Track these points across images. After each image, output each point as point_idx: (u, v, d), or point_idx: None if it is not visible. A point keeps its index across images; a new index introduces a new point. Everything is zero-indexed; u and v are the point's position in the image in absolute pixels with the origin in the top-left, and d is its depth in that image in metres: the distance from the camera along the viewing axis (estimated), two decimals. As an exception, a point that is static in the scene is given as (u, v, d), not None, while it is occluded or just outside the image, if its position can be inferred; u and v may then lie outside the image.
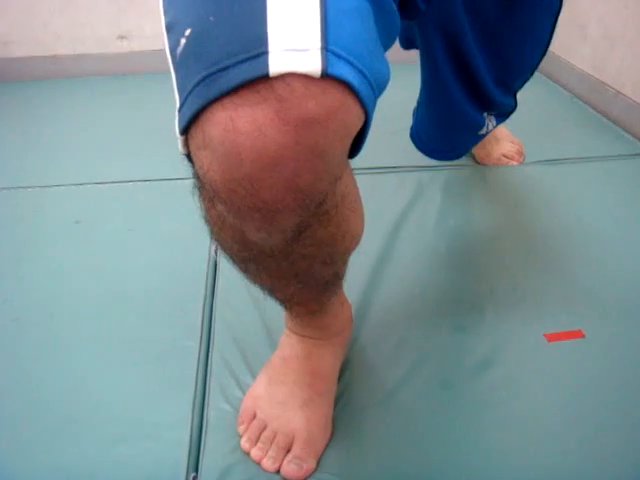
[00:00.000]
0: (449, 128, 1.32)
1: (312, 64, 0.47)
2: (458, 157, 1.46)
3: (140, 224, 1.36)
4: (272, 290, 0.80)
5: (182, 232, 1.31)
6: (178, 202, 1.41)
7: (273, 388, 0.90)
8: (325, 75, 0.48)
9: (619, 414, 0.91)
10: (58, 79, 2.25)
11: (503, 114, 1.33)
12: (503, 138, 1.55)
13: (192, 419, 0.91)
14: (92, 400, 0.94)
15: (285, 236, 0.62)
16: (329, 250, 0.71)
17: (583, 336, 1.04)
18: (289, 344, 0.93)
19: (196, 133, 0.52)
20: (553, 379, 0.97)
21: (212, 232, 0.69)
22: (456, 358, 1.00)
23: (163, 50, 0.58)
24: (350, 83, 0.49)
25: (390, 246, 1.25)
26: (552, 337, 1.04)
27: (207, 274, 1.19)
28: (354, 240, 0.75)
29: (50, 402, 0.94)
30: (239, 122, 0.48)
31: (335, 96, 0.49)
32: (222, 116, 0.49)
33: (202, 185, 0.58)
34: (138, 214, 1.40)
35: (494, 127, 1.32)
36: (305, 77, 0.47)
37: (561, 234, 1.28)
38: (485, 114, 1.26)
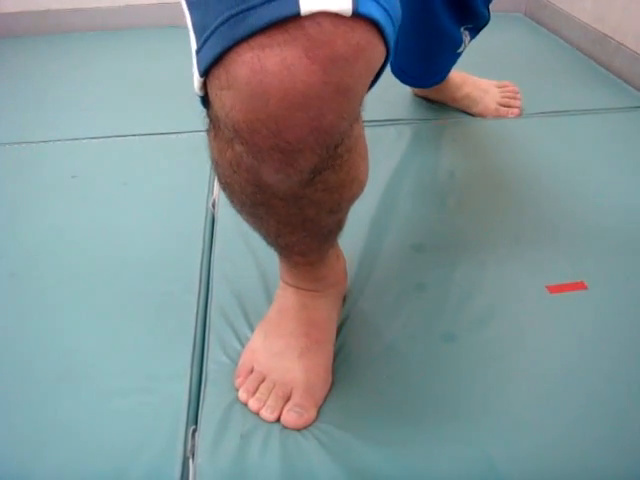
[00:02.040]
0: (430, 48, 1.34)
1: (344, 3, 0.47)
2: (442, 80, 1.46)
3: (136, 178, 1.34)
4: (276, 236, 0.79)
5: (179, 186, 1.30)
6: (175, 156, 1.40)
7: (270, 341, 0.90)
8: (355, 14, 0.47)
9: (623, 366, 0.90)
10: (51, 34, 2.20)
11: (477, 28, 1.34)
12: (489, 87, 1.53)
13: (191, 372, 0.90)
14: (89, 354, 0.93)
15: (302, 178, 0.61)
16: (337, 197, 0.70)
17: (586, 288, 1.03)
18: (284, 297, 0.93)
19: (219, 73, 0.51)
20: (556, 331, 0.97)
21: (222, 175, 0.68)
22: (457, 310, 0.99)
23: (159, 4, 0.57)
24: (377, 21, 0.49)
25: (388, 198, 1.23)
26: (554, 289, 1.03)
27: (205, 228, 1.17)
28: (360, 187, 0.74)
29: (47, 357, 0.93)
30: (267, 62, 0.48)
31: (363, 35, 0.49)
32: (249, 56, 0.48)
33: (220, 126, 0.57)
34: (135, 168, 1.38)
35: (468, 43, 1.35)
36: (335, 16, 0.47)
37: (562, 186, 1.27)
38: (462, 29, 1.29)
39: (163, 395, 0.87)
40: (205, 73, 0.53)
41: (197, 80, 0.55)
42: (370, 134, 1.38)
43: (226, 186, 0.70)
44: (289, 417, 0.83)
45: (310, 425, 0.83)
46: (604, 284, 1.04)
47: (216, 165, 0.67)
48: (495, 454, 0.79)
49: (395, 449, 0.80)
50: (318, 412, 0.85)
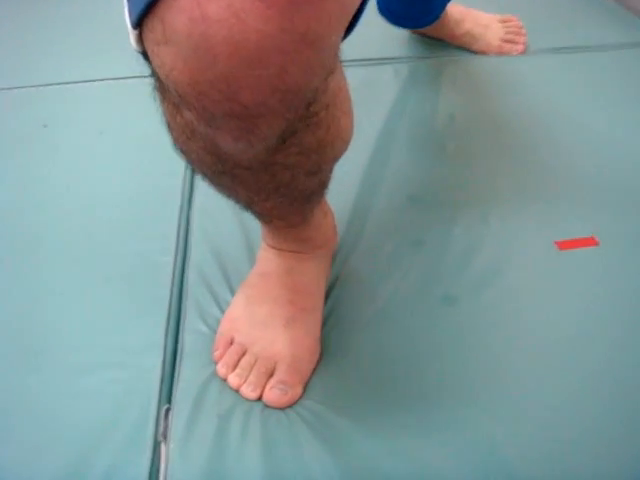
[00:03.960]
0: None
1: None
2: (435, 19, 1.35)
3: (113, 127, 1.24)
4: (249, 204, 0.71)
5: (157, 135, 1.18)
6: (153, 102, 1.29)
7: (252, 308, 0.82)
8: None
9: (636, 331, 0.82)
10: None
11: None
12: (491, 22, 1.41)
13: (165, 344, 0.82)
14: (54, 325, 0.86)
15: (267, 145, 0.53)
16: (316, 158, 0.61)
17: (596, 243, 0.94)
18: (267, 259, 0.84)
19: (153, 25, 0.42)
20: (565, 292, 0.89)
21: (177, 141, 0.59)
22: (458, 269, 0.91)
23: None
24: None
25: (382, 145, 1.13)
26: (563, 244, 0.94)
27: (184, 180, 1.08)
28: (344, 145, 0.66)
29: (7, 329, 0.85)
30: (210, 8, 0.38)
31: None
32: (187, 1, 0.38)
33: (164, 88, 0.48)
34: (110, 116, 1.27)
35: None
36: None
37: (570, 130, 1.17)
38: None
39: (134, 370, 0.79)
40: (138, 24, 0.43)
41: (132, 33, 0.46)
42: (362, 74, 1.31)
43: (182, 153, 0.61)
44: (272, 395, 0.75)
45: (295, 403, 0.76)
46: (616, 240, 0.95)
47: (169, 128, 0.58)
48: (498, 436, 0.72)
49: (388, 431, 0.73)
50: (305, 388, 0.77)
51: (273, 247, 0.83)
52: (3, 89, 1.36)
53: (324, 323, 0.83)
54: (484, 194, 1.03)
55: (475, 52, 1.38)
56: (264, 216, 0.76)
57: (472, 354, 0.80)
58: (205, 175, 0.64)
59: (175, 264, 0.93)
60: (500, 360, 0.80)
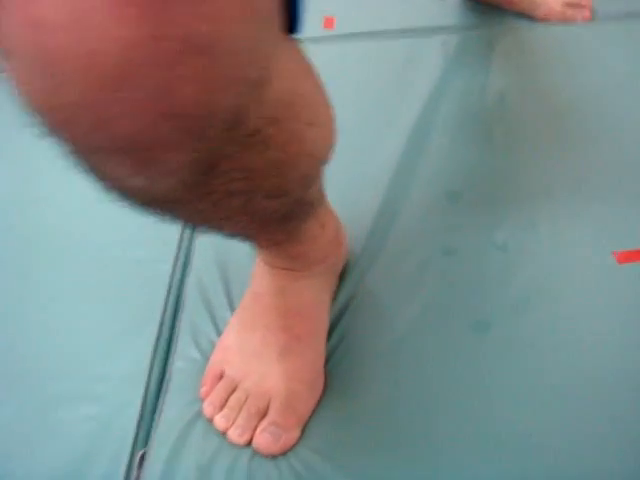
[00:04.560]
0: None
1: None
2: None
3: None
4: (208, 229, 0.57)
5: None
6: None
7: (244, 336, 0.71)
8: None
9: None
10: None
11: None
12: None
13: (150, 372, 0.74)
14: (35, 344, 0.78)
15: (181, 179, 0.39)
16: (275, 181, 0.48)
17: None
18: (260, 277, 0.73)
19: None
20: (626, 314, 0.74)
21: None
22: (493, 288, 0.77)
23: None
24: None
25: (418, 132, 0.98)
26: (624, 256, 0.79)
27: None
28: (315, 161, 0.53)
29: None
30: (44, 8, 0.27)
31: None
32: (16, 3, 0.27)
33: None
34: None
35: None
36: None
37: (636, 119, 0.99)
38: None
39: (112, 404, 0.71)
40: None
41: None
42: (402, 48, 1.15)
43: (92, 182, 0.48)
44: (262, 440, 0.65)
45: (289, 451, 0.65)
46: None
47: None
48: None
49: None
50: (302, 432, 0.66)
51: (265, 263, 0.72)
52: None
53: (331, 353, 0.72)
54: (533, 191, 0.88)
55: (534, 19, 1.21)
56: (237, 237, 0.62)
57: (506, 397, 0.68)
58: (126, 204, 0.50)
59: (173, 274, 0.83)
60: (541, 404, 0.67)
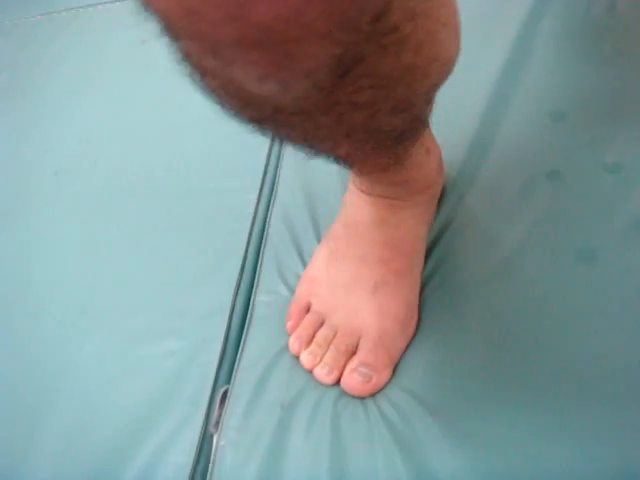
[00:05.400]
0: None
1: None
2: None
3: None
4: (316, 151, 0.52)
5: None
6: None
7: (334, 267, 0.66)
8: None
9: None
10: None
11: None
12: None
13: (233, 307, 0.71)
14: (113, 279, 0.75)
15: (315, 83, 0.36)
16: (403, 91, 0.43)
17: None
18: (354, 205, 0.68)
19: None
20: None
21: (194, 81, 0.42)
22: (603, 212, 0.70)
23: None
24: None
25: (521, 43, 0.89)
26: None
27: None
28: (445, 68, 0.47)
29: (55, 285, 0.76)
30: None
31: None
32: None
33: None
34: None
35: None
36: None
37: None
38: None
39: (194, 340, 0.69)
40: None
41: None
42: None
43: (203, 91, 0.45)
44: (352, 381, 0.61)
45: (379, 392, 0.61)
46: None
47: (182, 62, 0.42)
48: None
49: (503, 444, 0.56)
50: (394, 372, 0.62)
51: (362, 191, 0.66)
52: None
53: (426, 282, 0.67)
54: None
55: None
56: (341, 161, 0.58)
57: (617, 337, 0.61)
58: (239, 120, 0.46)
59: (258, 205, 0.79)
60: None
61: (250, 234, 0.75)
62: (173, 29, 0.31)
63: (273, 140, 0.85)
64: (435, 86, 0.48)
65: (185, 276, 0.73)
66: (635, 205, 0.68)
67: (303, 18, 0.29)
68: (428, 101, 0.51)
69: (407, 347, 0.63)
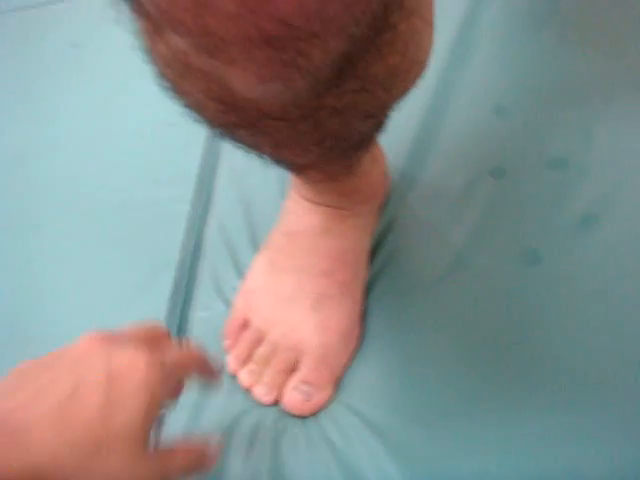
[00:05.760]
0: None
1: None
2: None
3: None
4: (277, 160, 0.50)
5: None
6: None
7: (274, 279, 0.63)
8: None
9: None
10: None
11: None
12: None
13: (168, 322, 0.67)
14: (39, 299, 0.72)
15: (316, 83, 0.34)
16: (382, 95, 0.42)
17: None
18: (296, 214, 0.65)
19: None
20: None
21: (163, 76, 0.40)
22: (550, 211, 0.68)
23: None
24: None
25: (461, 34, 0.86)
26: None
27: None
28: (421, 71, 0.46)
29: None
30: None
31: None
32: None
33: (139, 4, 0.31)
34: None
35: None
36: None
37: None
38: None
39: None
40: None
41: None
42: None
43: (172, 92, 0.41)
44: (292, 399, 0.58)
45: (322, 410, 0.58)
46: None
47: (151, 58, 0.39)
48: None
49: (454, 466, 0.53)
50: (337, 389, 0.59)
51: (305, 199, 0.63)
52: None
53: (367, 293, 0.64)
54: (589, 100, 0.77)
55: None
56: (296, 170, 0.56)
57: (564, 339, 0.59)
58: (210, 125, 0.43)
59: (193, 216, 0.75)
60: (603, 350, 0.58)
61: (185, 247, 0.72)
62: (169, 24, 0.29)
63: (210, 146, 0.82)
64: (408, 91, 0.46)
65: (115, 294, 0.69)
66: (579, 202, 0.67)
67: (326, 12, 0.27)
68: (396, 105, 0.48)
69: (351, 361, 0.60)
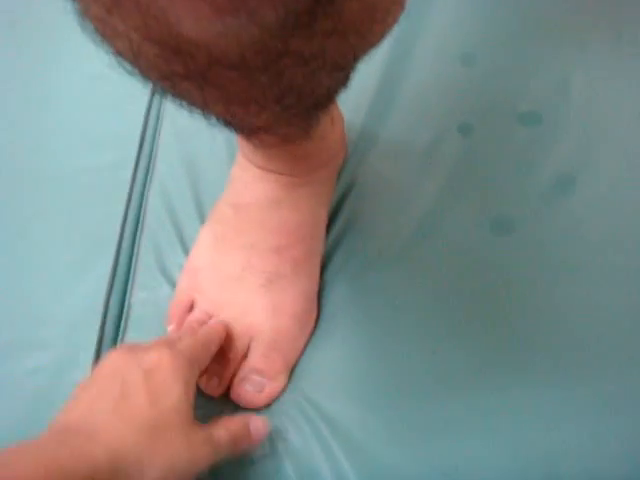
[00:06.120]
0: None
1: None
2: None
3: None
4: (227, 122, 0.42)
5: None
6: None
7: (220, 256, 0.57)
8: None
9: None
10: None
11: None
12: None
13: (107, 305, 0.60)
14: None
15: (284, 18, 0.28)
16: (355, 40, 0.34)
17: None
18: (245, 183, 0.58)
19: None
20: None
21: (89, 17, 0.32)
22: (522, 172, 0.62)
23: None
24: None
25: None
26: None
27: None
28: (399, 15, 0.38)
29: None
30: None
31: None
32: None
33: None
34: None
35: None
36: None
37: None
38: None
39: (65, 350, 0.58)
40: None
41: None
42: None
43: (103, 37, 0.33)
44: (242, 391, 0.53)
45: (274, 401, 0.53)
46: None
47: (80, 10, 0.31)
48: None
49: (415, 444, 0.49)
50: (291, 377, 0.54)
51: (256, 165, 0.57)
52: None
53: (324, 267, 0.59)
54: (564, 48, 0.72)
55: None
56: (248, 132, 0.49)
57: (533, 318, 0.55)
58: (147, 77, 0.36)
59: (134, 182, 0.69)
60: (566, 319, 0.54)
61: (124, 220, 0.65)
62: None
63: (150, 105, 0.75)
64: (384, 37, 0.39)
65: (51, 276, 0.63)
66: (554, 162, 0.61)
67: None
68: (363, 57, 0.41)
69: (305, 347, 0.55)
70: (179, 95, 0.37)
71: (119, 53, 0.33)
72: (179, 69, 0.32)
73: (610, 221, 0.58)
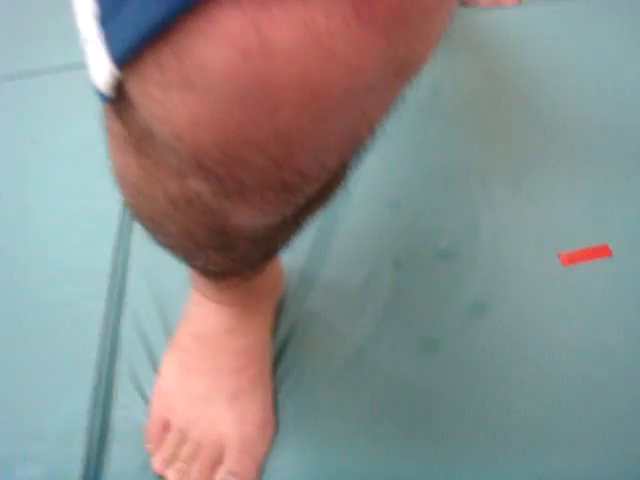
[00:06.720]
0: None
1: None
2: None
3: (49, 133, 1.05)
4: (214, 271, 0.56)
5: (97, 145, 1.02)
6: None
7: (187, 380, 0.67)
8: None
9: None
10: None
11: None
12: None
13: (91, 423, 0.68)
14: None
15: (296, 210, 0.39)
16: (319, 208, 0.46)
17: (610, 254, 0.78)
18: (202, 315, 0.69)
19: (162, 61, 0.25)
20: (572, 317, 0.73)
21: (147, 211, 0.42)
22: (441, 300, 0.75)
23: None
24: None
25: None
26: (569, 257, 0.78)
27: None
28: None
29: None
30: (276, 32, 0.23)
31: None
32: (235, 24, 0.23)
33: (153, 145, 0.33)
34: (47, 119, 1.07)
35: None
36: None
37: (579, 100, 0.98)
38: None
39: (52, 464, 0.66)
40: (126, 57, 0.27)
41: (104, 68, 0.29)
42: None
43: (149, 224, 0.45)
44: None
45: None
46: (636, 247, 0.78)
47: (133, 194, 0.42)
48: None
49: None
50: (261, 471, 0.64)
51: (211, 300, 0.67)
52: None
53: (278, 389, 0.69)
54: (473, 194, 0.86)
55: (464, 4, 1.19)
56: (223, 275, 0.60)
57: (461, 409, 0.67)
58: (174, 248, 0.48)
59: (108, 311, 0.78)
60: (495, 416, 0.66)
61: (102, 345, 0.74)
62: (201, 171, 0.30)
63: (120, 243, 0.85)
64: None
65: (36, 396, 0.71)
66: (468, 292, 0.74)
67: (329, 163, 0.33)
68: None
69: (270, 449, 0.65)
70: (194, 259, 0.50)
71: (160, 234, 0.44)
72: (215, 243, 0.43)
73: (519, 339, 0.71)
